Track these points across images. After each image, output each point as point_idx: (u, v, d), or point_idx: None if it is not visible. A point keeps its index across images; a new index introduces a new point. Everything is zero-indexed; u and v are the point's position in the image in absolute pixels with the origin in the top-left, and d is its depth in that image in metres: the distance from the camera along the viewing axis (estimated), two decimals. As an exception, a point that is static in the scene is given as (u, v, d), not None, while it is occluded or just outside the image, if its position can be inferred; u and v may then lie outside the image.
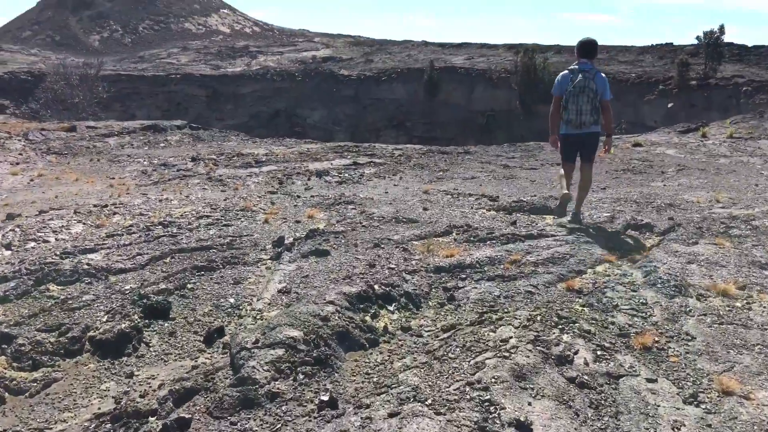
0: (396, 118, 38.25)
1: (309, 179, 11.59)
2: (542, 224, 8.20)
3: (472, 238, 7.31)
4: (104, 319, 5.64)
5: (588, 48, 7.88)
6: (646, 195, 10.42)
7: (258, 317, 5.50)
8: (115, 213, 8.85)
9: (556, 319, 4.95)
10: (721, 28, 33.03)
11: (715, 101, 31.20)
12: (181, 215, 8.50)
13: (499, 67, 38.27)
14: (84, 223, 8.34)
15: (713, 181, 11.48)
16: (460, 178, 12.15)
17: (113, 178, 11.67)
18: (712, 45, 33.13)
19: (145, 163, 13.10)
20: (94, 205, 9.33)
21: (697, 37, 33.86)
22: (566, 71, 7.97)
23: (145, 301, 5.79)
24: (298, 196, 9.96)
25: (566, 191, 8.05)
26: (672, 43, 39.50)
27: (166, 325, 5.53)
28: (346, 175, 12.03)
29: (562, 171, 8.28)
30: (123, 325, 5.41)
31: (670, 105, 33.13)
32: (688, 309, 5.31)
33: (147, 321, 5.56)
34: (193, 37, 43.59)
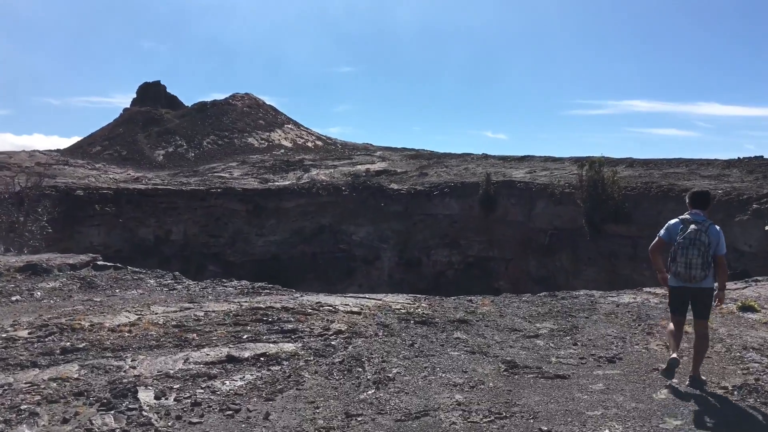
0: (449, 235, 31.49)
1: (66, 421, 5.11)
2: None
3: None
4: None
5: (701, 198, 6.58)
6: None
7: None
8: None
9: None
10: (828, 138, 25.00)
11: (828, 224, 22.85)
12: None
13: (563, 181, 31.23)
14: None
15: None
16: (396, 414, 5.35)
17: None
18: (818, 157, 25.09)
19: None
20: None
21: (797, 148, 25.93)
22: (676, 219, 6.52)
23: None
24: None
25: (674, 356, 6.21)
26: (762, 156, 31.36)
27: None
28: (169, 401, 5.47)
29: (671, 326, 6.61)
30: None
31: (767, 227, 24.94)
32: None
33: None
34: (255, 151, 39.22)
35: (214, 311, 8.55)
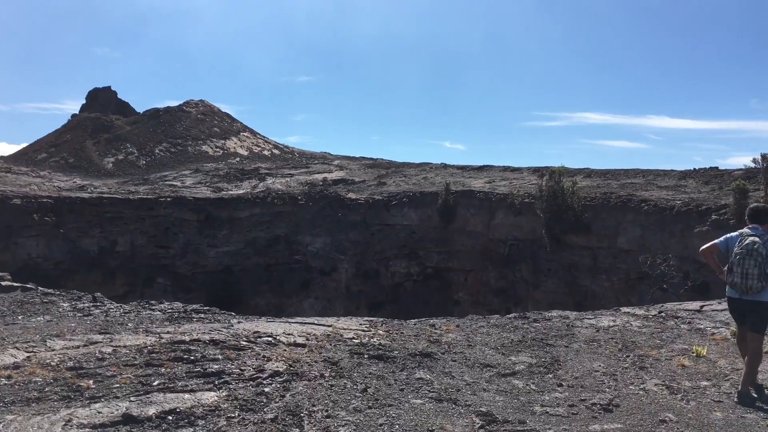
0: (407, 245, 30.05)
1: None
2: None
3: None
4: None
5: (761, 213, 6.36)
6: None
7: None
8: None
9: None
10: (783, 149, 24.49)
11: (788, 235, 22.23)
12: None
13: (523, 191, 30.16)
14: None
15: None
16: None
17: None
18: (774, 168, 24.51)
19: None
20: None
21: (754, 160, 25.26)
22: (735, 233, 6.45)
23: None
24: None
25: (745, 385, 5.96)
26: (717, 167, 30.94)
27: None
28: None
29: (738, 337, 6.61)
30: None
31: (727, 238, 24.24)
32: None
33: None
34: (209, 159, 37.18)
35: (125, 346, 6.86)
